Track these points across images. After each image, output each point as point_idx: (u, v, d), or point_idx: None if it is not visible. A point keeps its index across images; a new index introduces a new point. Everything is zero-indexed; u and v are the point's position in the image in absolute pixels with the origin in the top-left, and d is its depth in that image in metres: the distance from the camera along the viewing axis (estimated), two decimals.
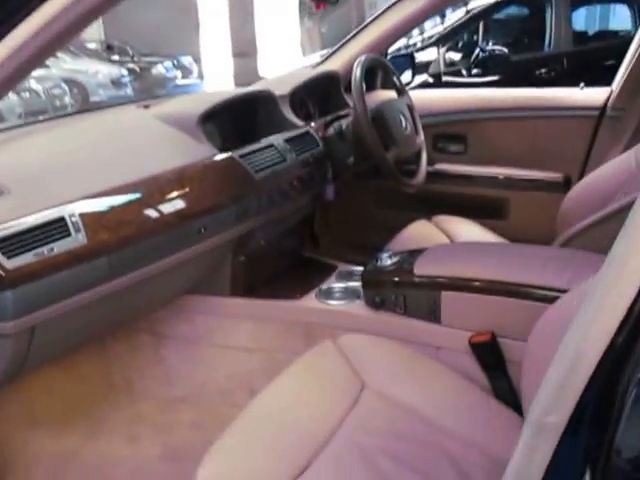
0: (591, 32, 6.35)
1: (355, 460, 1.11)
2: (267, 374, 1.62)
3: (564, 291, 1.27)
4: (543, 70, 5.12)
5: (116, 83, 10.24)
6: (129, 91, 10.12)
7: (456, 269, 1.46)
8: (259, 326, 1.64)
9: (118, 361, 1.67)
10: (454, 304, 1.44)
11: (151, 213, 1.23)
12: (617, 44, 4.57)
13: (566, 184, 2.16)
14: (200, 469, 1.05)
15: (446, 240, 2.05)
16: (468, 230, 2.10)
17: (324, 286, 1.68)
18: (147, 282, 1.28)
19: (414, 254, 1.60)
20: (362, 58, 1.77)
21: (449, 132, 2.33)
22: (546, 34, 5.31)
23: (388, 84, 2.53)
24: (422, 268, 1.49)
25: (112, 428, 1.56)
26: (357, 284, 1.66)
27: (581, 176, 2.15)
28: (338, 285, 1.69)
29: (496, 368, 1.40)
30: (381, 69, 2.25)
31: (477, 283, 1.41)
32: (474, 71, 5.58)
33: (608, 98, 2.11)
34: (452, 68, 5.60)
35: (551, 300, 1.29)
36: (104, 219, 1.14)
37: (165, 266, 1.29)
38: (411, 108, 2.01)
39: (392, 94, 2.09)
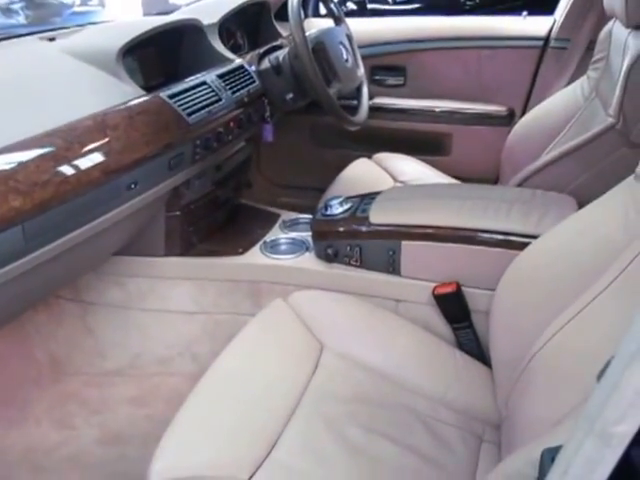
0: None
1: (323, 431, 1.01)
2: (210, 338, 1.49)
3: (533, 236, 1.19)
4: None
5: (5, 10, 9.33)
6: (21, 19, 9.25)
7: (416, 216, 1.34)
8: (198, 287, 1.48)
9: (38, 335, 1.48)
10: (415, 254, 1.33)
11: (70, 170, 1.02)
12: None
13: (510, 118, 2.08)
14: (154, 462, 0.91)
15: (389, 179, 1.94)
16: (411, 167, 2.00)
17: (269, 238, 1.53)
18: (71, 250, 1.09)
19: (366, 200, 1.47)
20: None
21: (387, 64, 2.17)
22: None
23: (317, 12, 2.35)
24: (379, 216, 1.37)
25: (39, 412, 1.38)
26: (305, 234, 1.53)
27: (525, 109, 2.07)
28: (284, 236, 1.54)
29: (461, 319, 1.32)
30: None
31: (441, 231, 1.30)
32: None
33: (551, 28, 2.02)
34: None
35: (520, 246, 1.20)
36: (13, 181, 0.93)
37: (91, 231, 1.10)
38: (350, 38, 1.84)
39: (327, 23, 1.91)
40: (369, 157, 2.05)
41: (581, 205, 1.37)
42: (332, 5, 1.83)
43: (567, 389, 0.88)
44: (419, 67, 2.14)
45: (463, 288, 1.30)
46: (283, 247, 1.52)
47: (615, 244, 0.95)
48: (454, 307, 1.31)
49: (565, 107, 1.76)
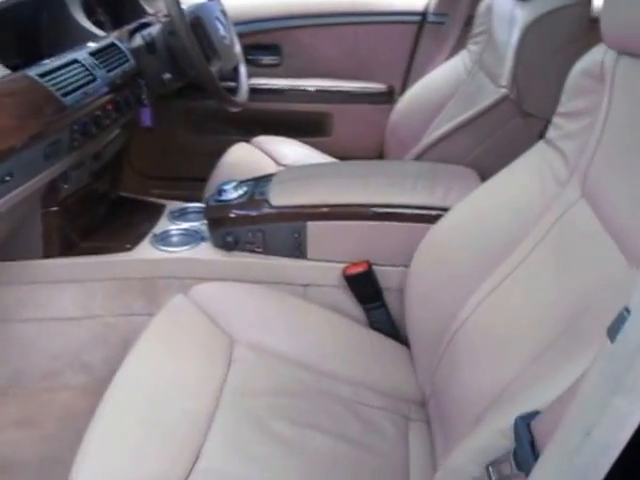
0: None
1: (249, 430, 0.95)
2: (102, 345, 1.35)
3: (443, 209, 1.18)
4: None
5: None
6: None
7: (321, 196, 1.29)
8: (84, 289, 1.33)
9: None
10: (322, 235, 1.27)
11: None
12: None
13: (390, 95, 2.08)
14: None
15: (271, 163, 1.87)
16: (292, 150, 1.94)
17: (158, 230, 1.41)
18: None
19: (262, 182, 1.39)
20: None
21: (262, 42, 2.09)
22: None
23: None
24: (280, 197, 1.30)
25: None
26: (198, 224, 1.42)
27: (404, 86, 2.08)
28: (175, 227, 1.42)
29: (373, 299, 1.28)
30: None
31: (348, 209, 1.26)
32: None
33: (428, 3, 2.03)
34: None
35: (430, 220, 1.19)
36: None
37: None
38: (225, 14, 1.74)
39: None
40: (247, 141, 1.97)
41: (481, 176, 1.39)
42: None
43: (501, 358, 0.87)
44: (295, 45, 2.08)
45: (374, 267, 1.26)
46: (175, 239, 1.40)
47: (532, 210, 0.95)
48: (365, 287, 1.28)
49: (447, 81, 1.78)
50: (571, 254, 0.84)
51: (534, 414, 0.62)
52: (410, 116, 1.87)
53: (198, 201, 1.57)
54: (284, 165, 1.84)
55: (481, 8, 1.74)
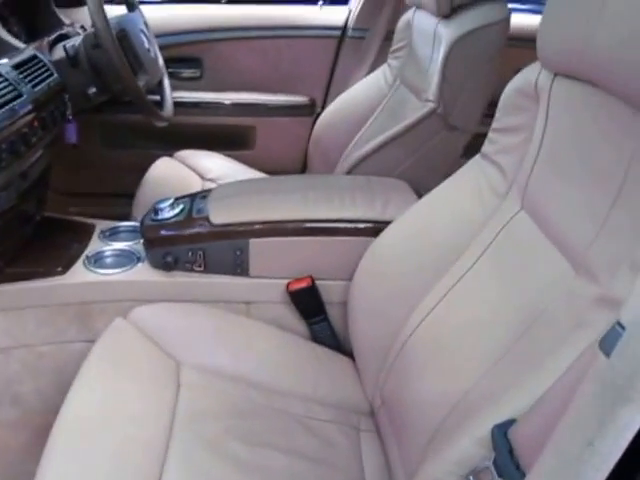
0: None
1: (205, 455, 0.93)
2: (33, 375, 1.29)
3: (383, 222, 1.21)
4: None
5: None
6: None
7: (262, 212, 1.28)
8: (13, 317, 1.25)
9: None
10: (265, 252, 1.27)
11: None
12: None
13: (312, 108, 2.10)
14: None
15: (196, 177, 1.85)
16: (216, 164, 1.93)
17: (90, 252, 1.35)
18: None
19: (198, 199, 1.37)
20: None
21: (182, 55, 2.05)
22: None
23: None
24: (220, 215, 1.28)
25: None
26: (132, 244, 1.38)
27: (325, 99, 2.11)
28: (108, 248, 1.37)
29: (316, 313, 1.29)
30: None
31: (290, 225, 1.26)
32: None
33: (348, 18, 2.07)
34: None
35: (371, 233, 1.21)
36: None
37: None
38: (148, 27, 1.70)
39: (117, 10, 1.74)
40: (170, 156, 1.93)
41: (412, 188, 1.43)
42: None
43: (453, 369, 0.90)
44: (216, 58, 2.06)
45: (317, 281, 1.27)
46: (110, 260, 1.34)
47: (473, 223, 0.99)
48: (309, 302, 1.28)
49: (369, 95, 1.82)
50: (516, 264, 0.88)
51: (510, 423, 0.65)
52: (333, 129, 1.90)
53: (125, 218, 1.52)
54: (210, 179, 1.82)
55: (401, 23, 1.79)
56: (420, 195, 1.35)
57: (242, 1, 2.11)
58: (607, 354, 0.46)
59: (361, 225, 1.26)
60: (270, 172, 1.95)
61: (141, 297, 1.26)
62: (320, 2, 2.09)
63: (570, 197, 0.80)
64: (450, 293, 0.98)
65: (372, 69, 1.92)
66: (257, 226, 1.25)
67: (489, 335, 0.86)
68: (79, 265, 1.30)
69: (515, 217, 0.93)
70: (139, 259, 1.32)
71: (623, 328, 0.46)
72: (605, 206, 0.73)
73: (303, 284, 1.26)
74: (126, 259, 1.33)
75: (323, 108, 2.02)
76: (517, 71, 0.97)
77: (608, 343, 0.47)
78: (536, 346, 0.76)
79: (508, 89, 0.99)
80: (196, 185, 1.77)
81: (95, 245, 1.38)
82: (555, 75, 0.88)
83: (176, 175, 1.84)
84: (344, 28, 2.07)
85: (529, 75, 0.95)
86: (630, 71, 0.67)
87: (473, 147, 1.13)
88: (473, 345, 0.89)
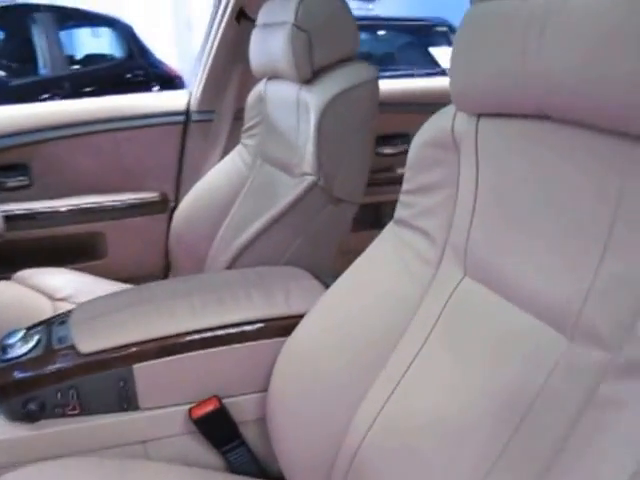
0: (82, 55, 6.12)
1: None
2: None
3: (292, 317, 1.04)
4: (46, 95, 4.62)
5: None
6: None
7: (139, 330, 1.05)
8: None
9: None
10: (154, 377, 1.03)
11: None
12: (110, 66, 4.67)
13: (164, 203, 1.90)
14: None
15: (44, 299, 1.57)
16: (66, 280, 1.66)
17: None
18: None
19: (54, 326, 1.11)
20: None
21: (5, 162, 1.78)
22: (39, 57, 4.91)
23: None
24: (89, 341, 1.03)
25: None
26: None
27: (178, 191, 1.93)
28: None
29: (230, 439, 1.07)
30: None
31: (180, 339, 1.04)
32: None
33: (189, 101, 1.92)
34: None
35: (281, 332, 1.04)
36: None
37: None
38: None
39: None
40: (8, 278, 1.64)
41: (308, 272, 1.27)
42: None
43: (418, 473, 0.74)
44: (47, 161, 1.81)
45: (225, 400, 1.05)
46: None
47: (406, 300, 0.86)
48: (219, 427, 1.05)
49: (228, 180, 1.68)
50: (483, 343, 0.75)
51: None
52: (194, 221, 1.72)
53: None
54: (61, 299, 1.55)
55: (250, 99, 1.68)
56: (319, 278, 1.21)
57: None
58: None
59: (266, 325, 1.07)
60: (130, 281, 1.71)
61: (3, 462, 0.96)
62: (156, 88, 1.94)
63: (538, 253, 0.68)
64: (400, 387, 0.83)
65: (226, 152, 1.78)
66: (139, 347, 1.02)
67: (470, 432, 0.71)
68: None
69: (459, 287, 0.81)
70: None
71: None
72: (594, 256, 0.62)
73: (209, 407, 1.03)
74: None
75: (177, 201, 1.83)
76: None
77: None
78: (542, 441, 0.62)
79: (416, 143, 0.89)
80: (46, 309, 1.49)
81: None
82: (479, 116, 0.79)
83: (19, 300, 1.55)
84: (187, 112, 1.92)
85: (441, 123, 0.85)
86: (598, 94, 0.58)
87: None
88: (450, 448, 0.73)
